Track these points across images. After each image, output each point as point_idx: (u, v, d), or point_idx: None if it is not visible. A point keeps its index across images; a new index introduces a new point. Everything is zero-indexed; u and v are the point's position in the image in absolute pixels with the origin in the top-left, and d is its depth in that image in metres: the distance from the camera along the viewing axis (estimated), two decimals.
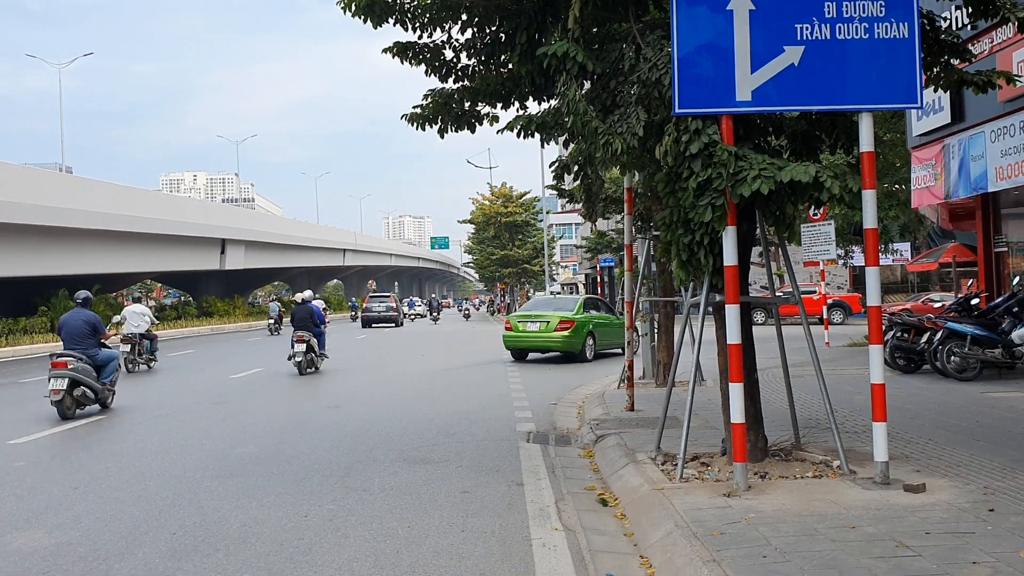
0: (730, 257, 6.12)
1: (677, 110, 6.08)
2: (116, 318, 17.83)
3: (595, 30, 7.70)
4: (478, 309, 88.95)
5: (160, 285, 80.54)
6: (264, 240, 54.89)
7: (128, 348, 16.54)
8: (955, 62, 7.44)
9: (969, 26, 12.11)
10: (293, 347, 17.10)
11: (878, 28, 6.10)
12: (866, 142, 6.13)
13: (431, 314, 51.58)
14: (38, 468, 8.26)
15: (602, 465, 7.79)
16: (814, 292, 27.85)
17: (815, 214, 17.23)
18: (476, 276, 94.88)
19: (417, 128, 8.84)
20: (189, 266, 46.07)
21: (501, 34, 8.10)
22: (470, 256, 73.65)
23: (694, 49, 6.17)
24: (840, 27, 6.11)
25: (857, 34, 6.11)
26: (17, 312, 33.93)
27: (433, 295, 62.31)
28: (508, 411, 11.39)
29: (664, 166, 6.27)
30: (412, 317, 55.89)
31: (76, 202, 32.81)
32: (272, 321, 37.48)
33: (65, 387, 11.21)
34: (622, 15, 7.45)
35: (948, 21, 12.33)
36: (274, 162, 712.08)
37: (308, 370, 17.04)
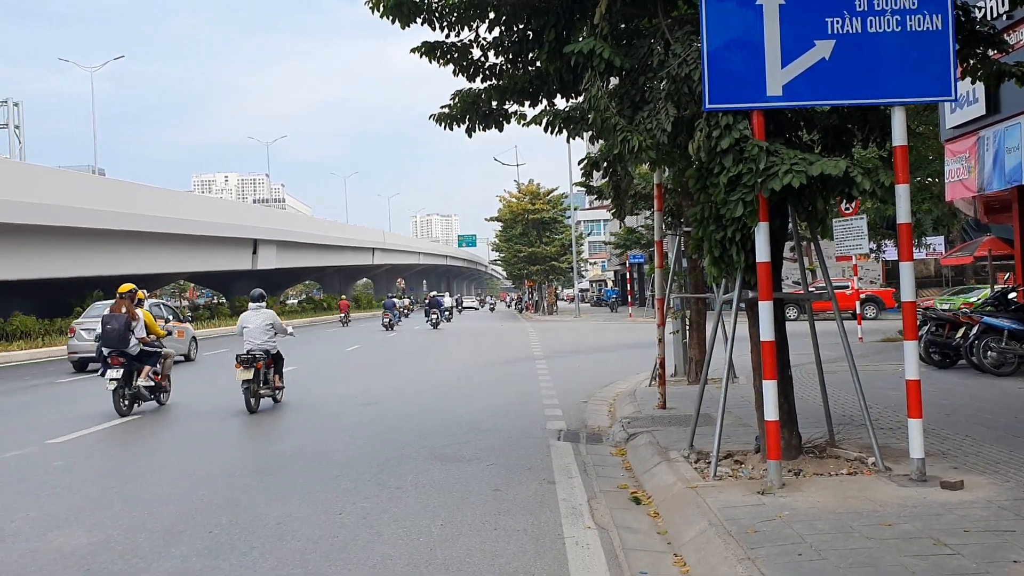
0: (762, 253, 6.08)
1: (707, 105, 6.04)
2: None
3: (623, 26, 7.69)
4: (509, 307, 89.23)
5: (193, 285, 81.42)
6: (295, 240, 55.27)
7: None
8: (992, 53, 7.34)
9: (1005, 15, 11.91)
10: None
11: (910, 20, 6.03)
12: (899, 136, 6.06)
13: (428, 317, 42.61)
14: (75, 467, 8.38)
15: (634, 463, 7.78)
16: (847, 287, 27.59)
17: (847, 208, 17.06)
18: (504, 274, 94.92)
19: (445, 128, 8.87)
20: (222, 266, 46.50)
21: (529, 32, 8.10)
22: (497, 254, 73.71)
23: (724, 44, 6.13)
24: (871, 20, 6.04)
25: (889, 27, 6.03)
26: (52, 313, 34.41)
27: (434, 292, 61.24)
28: (538, 409, 11.40)
29: (695, 162, 6.24)
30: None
31: (110, 204, 33.23)
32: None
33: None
34: (650, 11, 7.43)
35: (983, 10, 12.15)
36: (303, 162, 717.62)
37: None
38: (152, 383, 12.36)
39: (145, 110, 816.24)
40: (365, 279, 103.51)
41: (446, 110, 8.78)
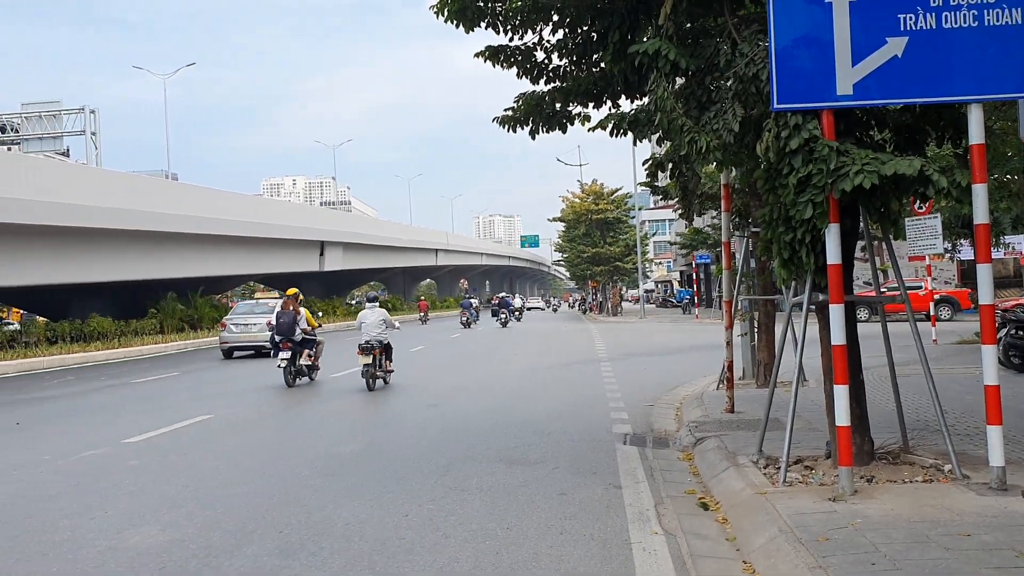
0: (833, 255, 5.96)
1: (775, 105, 5.94)
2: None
3: (688, 26, 7.62)
4: (572, 307, 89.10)
5: (263, 286, 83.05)
6: (361, 242, 55.95)
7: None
8: None
9: None
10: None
11: (988, 15, 5.85)
12: (976, 134, 5.88)
13: (497, 316, 45.95)
14: (150, 466, 8.59)
15: (702, 468, 7.69)
16: (920, 287, 26.89)
17: (920, 207, 16.61)
18: (567, 274, 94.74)
19: (508, 130, 8.89)
20: (290, 268, 47.29)
21: (593, 33, 8.08)
22: (560, 254, 73.58)
23: (792, 42, 6.03)
24: (947, 15, 5.88)
25: (965, 22, 5.86)
26: (128, 315, 35.38)
27: (503, 294, 62.70)
28: (604, 412, 11.34)
29: (763, 162, 6.15)
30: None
31: (182, 208, 34.05)
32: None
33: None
34: (716, 10, 7.35)
35: None
36: (368, 164, 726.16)
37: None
38: (308, 363, 16.12)
39: (216, 115, 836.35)
40: (428, 280, 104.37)
41: (510, 112, 8.81)
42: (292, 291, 16.67)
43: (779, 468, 6.54)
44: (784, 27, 6.01)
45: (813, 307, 6.75)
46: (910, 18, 5.90)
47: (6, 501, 7.21)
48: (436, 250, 78.68)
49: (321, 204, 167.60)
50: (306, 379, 16.25)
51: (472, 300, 48.92)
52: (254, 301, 31.50)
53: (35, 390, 17.52)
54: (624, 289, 75.49)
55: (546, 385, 15.13)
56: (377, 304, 15.90)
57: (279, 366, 15.64)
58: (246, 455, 9.03)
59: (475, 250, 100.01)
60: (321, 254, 50.31)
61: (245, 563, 5.35)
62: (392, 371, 15.75)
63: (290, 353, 15.64)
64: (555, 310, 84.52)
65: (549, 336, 33.68)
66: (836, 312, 6.03)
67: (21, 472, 8.44)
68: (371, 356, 14.81)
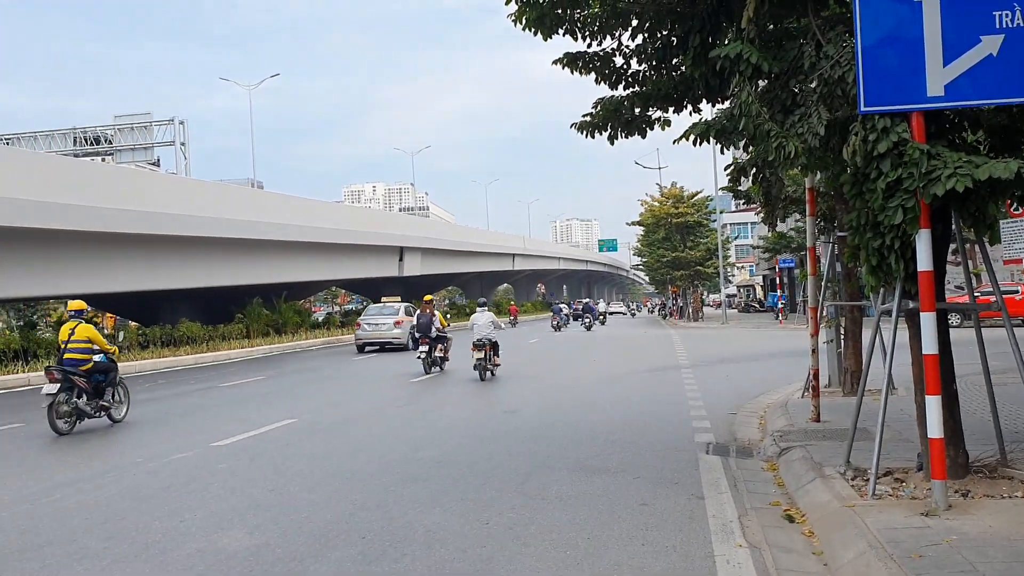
0: (924, 262, 5.76)
1: (863, 108, 5.78)
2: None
3: (770, 27, 7.48)
4: (651, 312, 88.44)
5: (344, 291, 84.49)
6: (439, 247, 56.46)
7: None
8: None
9: None
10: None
11: None
12: None
13: (582, 320, 47.76)
14: (237, 469, 8.80)
15: (787, 479, 7.52)
16: (1016, 292, 25.87)
17: (1017, 210, 15.97)
18: (646, 279, 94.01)
19: (587, 136, 8.88)
20: (370, 273, 47.97)
21: (673, 38, 8.01)
22: (639, 259, 73.02)
23: (879, 43, 5.85)
24: None
25: None
26: (215, 320, 36.34)
27: (588, 300, 64.38)
28: (685, 420, 11.19)
29: (850, 166, 5.99)
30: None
31: (267, 215, 34.85)
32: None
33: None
34: (799, 11, 7.19)
35: None
36: (446, 171, 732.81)
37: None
38: (441, 355, 19.89)
39: (300, 124, 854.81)
40: (505, 284, 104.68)
41: (588, 118, 8.79)
42: (428, 297, 21.62)
43: (868, 480, 6.35)
44: (871, 27, 5.84)
45: (903, 314, 6.54)
46: (1006, 15, 5.67)
47: (103, 502, 7.47)
48: (513, 255, 78.87)
49: (400, 210, 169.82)
50: (437, 369, 19.87)
51: (562, 305, 52.73)
52: (382, 304, 35.00)
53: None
54: (705, 294, 74.50)
55: (626, 392, 15.02)
56: (486, 308, 19.13)
57: (419, 357, 19.45)
58: (328, 459, 9.17)
59: (552, 254, 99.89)
60: (400, 259, 50.91)
61: (329, 568, 5.42)
62: (499, 364, 18.67)
63: (427, 347, 19.39)
64: (633, 315, 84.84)
65: (629, 341, 33.44)
66: (928, 320, 5.83)
67: (117, 474, 8.74)
68: (483, 351, 17.66)
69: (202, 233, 30.43)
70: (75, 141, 58.87)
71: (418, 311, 20.59)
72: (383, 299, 37.98)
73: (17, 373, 22.06)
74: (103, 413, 12.35)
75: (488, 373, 17.89)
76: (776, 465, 8.15)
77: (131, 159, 57.14)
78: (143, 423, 12.82)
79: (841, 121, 6.25)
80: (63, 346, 12.17)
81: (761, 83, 6.92)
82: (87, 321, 12.68)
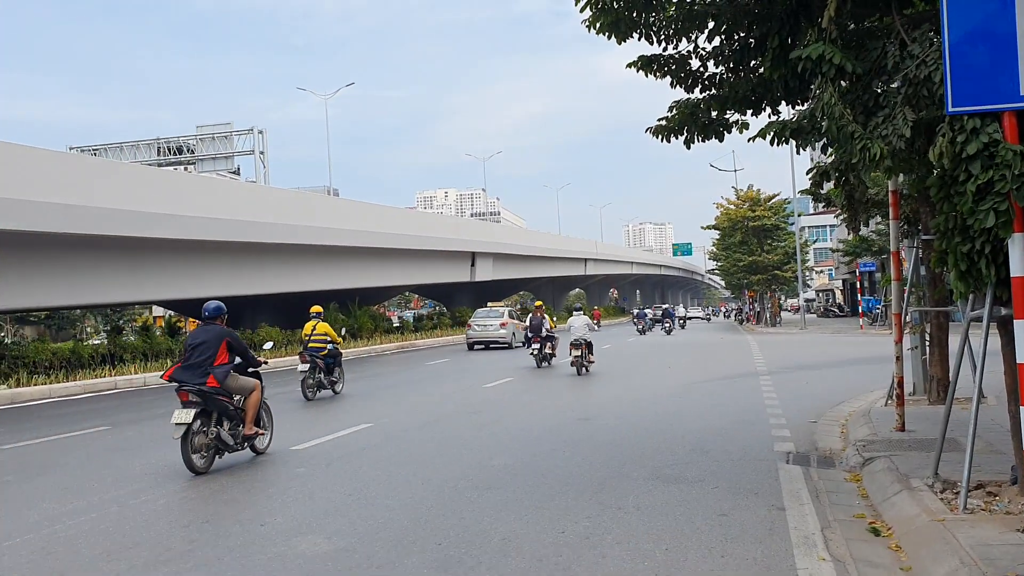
0: (1018, 267, 5.52)
1: (950, 108, 5.57)
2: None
3: (851, 26, 7.30)
4: (727, 317, 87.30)
5: (417, 296, 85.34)
6: (510, 252, 56.63)
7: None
8: None
9: None
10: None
11: None
12: None
13: (662, 325, 50.56)
14: (316, 474, 8.92)
15: (871, 491, 7.29)
16: None
17: None
18: (722, 283, 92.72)
19: (662, 140, 8.76)
20: (442, 279, 48.40)
21: (750, 39, 7.87)
22: (715, 263, 72.05)
23: (968, 40, 5.64)
24: None
25: None
26: (293, 324, 36.97)
27: (667, 304, 65.66)
28: (764, 428, 10.97)
29: (937, 169, 5.79)
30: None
31: (342, 222, 35.43)
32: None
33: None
34: (882, 9, 7.01)
35: None
36: (516, 176, 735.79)
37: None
38: (550, 352, 23.19)
39: (374, 132, 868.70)
40: (577, 289, 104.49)
41: (663, 122, 8.68)
42: (539, 303, 25.01)
43: (957, 493, 6.13)
44: (959, 24, 5.63)
45: (994, 321, 6.30)
46: None
47: (185, 506, 7.65)
48: (585, 260, 78.64)
49: (471, 215, 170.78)
50: (547, 364, 23.09)
51: (647, 311, 57.27)
52: (488, 308, 39.81)
53: None
54: (783, 298, 73.13)
55: (703, 399, 14.81)
56: (582, 312, 22.38)
57: (531, 353, 23.12)
58: (404, 464, 9.24)
59: (625, 259, 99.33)
60: (472, 264, 51.23)
61: (406, 575, 5.45)
62: (593, 362, 21.21)
63: (539, 344, 22.89)
64: (708, 319, 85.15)
65: (704, 347, 33.01)
66: (1022, 328, 5.59)
67: (200, 477, 8.93)
68: (579, 349, 20.52)
69: (281, 240, 31.07)
70: (159, 151, 60.82)
71: (531, 314, 24.33)
72: (488, 304, 42.97)
73: (105, 376, 22.80)
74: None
75: (584, 369, 20.66)
76: (859, 476, 7.92)
77: (212, 168, 58.78)
78: None
79: (927, 122, 6.07)
80: (307, 339, 17.38)
81: (841, 84, 6.75)
82: (322, 320, 17.66)
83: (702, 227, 63.67)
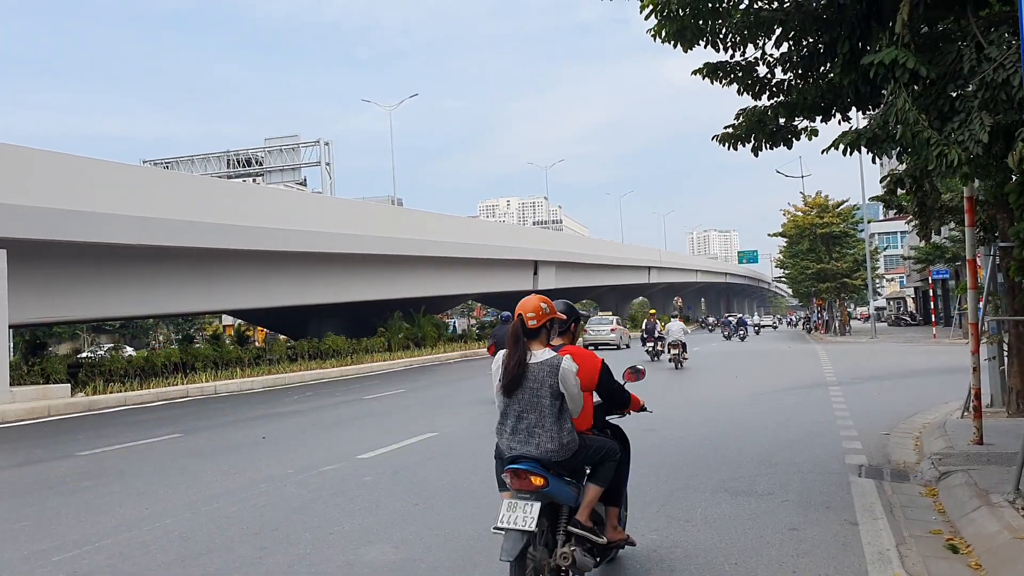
0: None
1: None
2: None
3: (924, 29, 7.12)
4: (794, 326, 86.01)
5: (480, 304, 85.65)
6: (572, 260, 56.49)
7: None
8: None
9: None
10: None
11: None
12: None
13: (737, 332, 55.15)
14: (382, 482, 8.99)
15: (948, 506, 7.07)
16: None
17: None
18: (788, 291, 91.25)
19: (729, 148, 8.68)
20: (505, 287, 48.47)
21: (820, 45, 7.75)
22: (782, 271, 70.87)
23: None
24: None
25: None
26: (358, 333, 37.53)
27: (741, 314, 67.16)
28: (834, 440, 10.74)
29: (1016, 174, 5.62)
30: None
31: (406, 231, 35.76)
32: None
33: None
34: (957, 12, 6.82)
35: None
36: (579, 184, 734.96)
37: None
38: (662, 350, 30.07)
39: (437, 142, 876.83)
40: (641, 298, 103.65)
41: (730, 130, 8.59)
42: (652, 311, 32.60)
43: None
44: None
45: None
46: None
47: (257, 512, 7.78)
48: (648, 268, 78.07)
49: (534, 224, 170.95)
50: (669, 360, 27.22)
51: (732, 318, 61.36)
52: (599, 316, 47.36)
53: (278, 405, 18.88)
54: (852, 306, 71.61)
55: (771, 409, 14.56)
56: (677, 318, 29.11)
57: (647, 351, 30.73)
58: (468, 474, 9.26)
59: (689, 267, 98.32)
60: (535, 273, 51.22)
61: None
62: (687, 358, 26.88)
63: (652, 343, 30.65)
64: (775, 327, 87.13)
65: (772, 357, 32.48)
66: None
67: (268, 485, 9.08)
68: (677, 348, 26.19)
69: (347, 250, 31.49)
70: (228, 163, 62.10)
71: (646, 320, 32.20)
72: (599, 314, 52.99)
73: (177, 385, 23.35)
74: None
75: (679, 364, 26.09)
76: (936, 490, 7.69)
77: (280, 179, 59.85)
78: (292, 435, 13.32)
79: (1005, 126, 5.89)
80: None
81: (915, 88, 6.60)
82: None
83: (769, 234, 62.90)
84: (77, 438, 14.08)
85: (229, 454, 11.55)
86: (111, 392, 21.46)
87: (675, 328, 26.69)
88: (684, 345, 26.41)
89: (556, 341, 5.17)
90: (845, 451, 9.93)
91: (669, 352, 26.49)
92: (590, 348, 36.45)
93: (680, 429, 12.35)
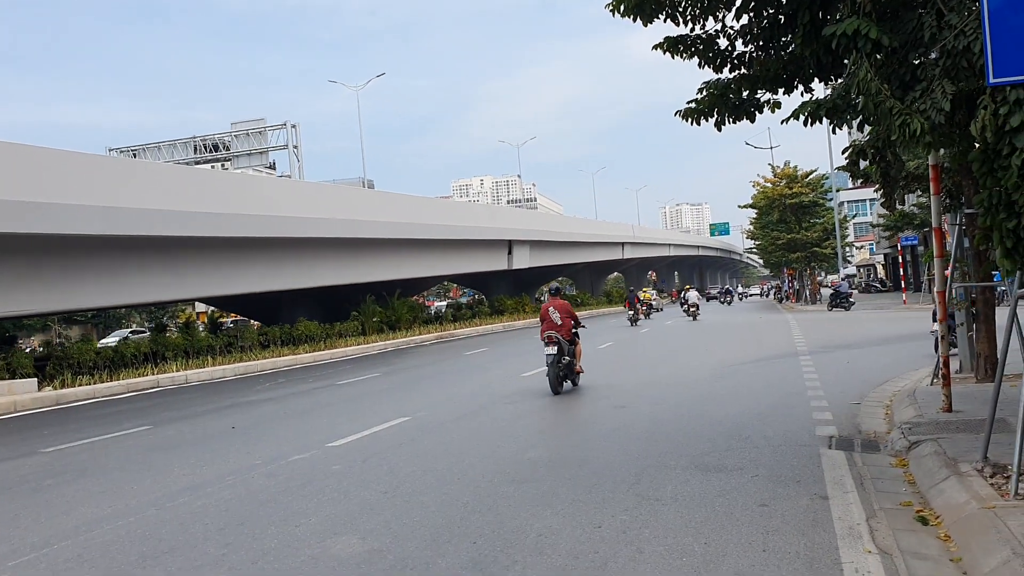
0: None
1: (992, 80, 5.33)
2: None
3: None
4: (766, 296, 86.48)
5: (456, 285, 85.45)
6: (547, 239, 56.42)
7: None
8: None
9: None
10: None
11: None
12: None
13: (722, 300, 63.86)
14: (351, 471, 8.87)
15: (918, 476, 7.07)
16: None
17: None
18: (760, 262, 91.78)
19: (692, 123, 8.59)
20: (480, 268, 48.35)
21: (780, 16, 7.65)
22: (753, 242, 71.13)
23: (1009, 7, 5.38)
24: None
25: None
26: (331, 318, 37.31)
27: (727, 286, 68.49)
28: (805, 412, 10.75)
29: (979, 143, 5.56)
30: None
31: (378, 214, 35.48)
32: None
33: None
34: None
35: None
36: (551, 161, 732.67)
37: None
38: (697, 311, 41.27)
39: (407, 123, 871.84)
40: (615, 273, 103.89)
41: (693, 104, 8.49)
42: (635, 289, 46.20)
43: (1008, 478, 5.91)
44: None
45: None
46: None
47: (223, 507, 7.64)
48: (622, 243, 78.15)
49: (508, 202, 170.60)
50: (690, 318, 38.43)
51: (724, 289, 68.85)
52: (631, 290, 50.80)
53: (249, 393, 18.70)
54: (823, 275, 72.09)
55: (742, 382, 14.58)
56: (692, 288, 43.56)
57: (628, 317, 40.04)
58: (439, 459, 9.17)
59: (662, 241, 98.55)
60: (509, 253, 51.10)
61: None
62: (700, 314, 39.85)
63: (632, 312, 39.77)
64: (761, 296, 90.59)
65: (742, 328, 32.61)
66: None
67: (236, 477, 8.95)
68: (693, 307, 39.81)
69: (317, 234, 31.21)
70: (195, 149, 61.16)
71: (628, 293, 42.94)
72: (631, 289, 55.27)
73: (147, 375, 23.08)
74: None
75: (695, 318, 39.26)
76: (906, 461, 7.69)
77: (247, 164, 59.03)
78: (262, 424, 13.17)
79: (967, 94, 5.83)
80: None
81: (876, 58, 6.52)
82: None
83: (739, 206, 63.01)
84: (42, 434, 13.87)
85: (197, 446, 11.39)
86: (80, 385, 21.19)
87: (692, 296, 42.28)
88: (698, 306, 40.97)
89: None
90: (816, 422, 9.92)
91: (688, 312, 40.60)
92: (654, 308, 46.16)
93: (651, 404, 12.34)
